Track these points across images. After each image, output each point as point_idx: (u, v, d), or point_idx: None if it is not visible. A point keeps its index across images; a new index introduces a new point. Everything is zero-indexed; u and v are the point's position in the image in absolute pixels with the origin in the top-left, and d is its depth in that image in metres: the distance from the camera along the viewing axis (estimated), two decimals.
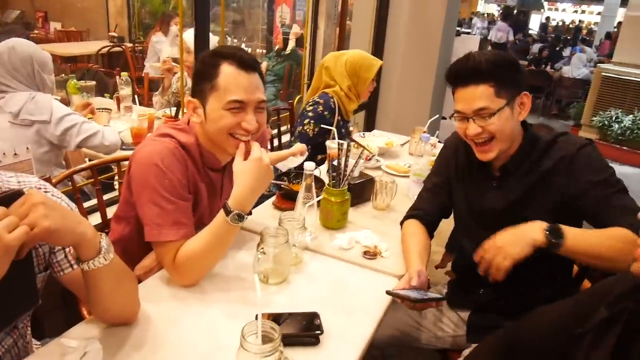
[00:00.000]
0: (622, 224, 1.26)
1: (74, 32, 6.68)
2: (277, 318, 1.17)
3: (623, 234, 1.24)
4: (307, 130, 2.44)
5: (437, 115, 2.72)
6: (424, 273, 1.39)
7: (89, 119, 2.34)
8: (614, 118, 5.84)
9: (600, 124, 5.92)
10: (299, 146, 1.88)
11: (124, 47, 5.46)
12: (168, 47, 4.42)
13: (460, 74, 1.41)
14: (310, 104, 2.50)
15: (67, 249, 1.09)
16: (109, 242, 1.02)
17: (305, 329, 1.16)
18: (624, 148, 5.69)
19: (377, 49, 4.32)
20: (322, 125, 2.36)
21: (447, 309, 1.65)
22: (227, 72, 1.32)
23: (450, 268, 1.80)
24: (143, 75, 4.28)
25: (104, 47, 5.45)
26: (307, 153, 1.89)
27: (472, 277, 1.55)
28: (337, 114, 2.53)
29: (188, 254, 1.29)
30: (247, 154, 1.32)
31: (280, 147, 2.85)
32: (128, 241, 1.48)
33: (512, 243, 1.31)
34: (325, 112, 2.48)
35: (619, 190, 1.34)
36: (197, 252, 1.29)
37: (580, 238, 1.28)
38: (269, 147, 1.70)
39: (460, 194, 1.59)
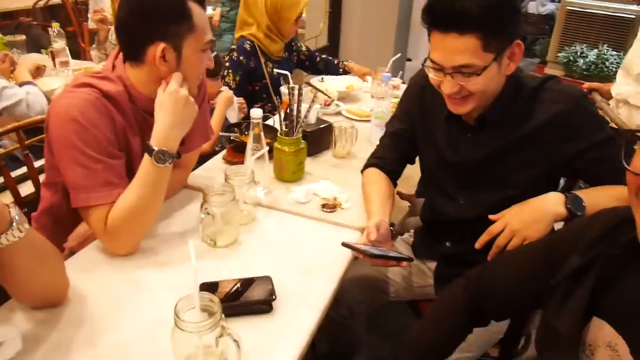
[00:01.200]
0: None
1: None
2: (218, 287, 1.04)
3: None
4: (229, 81, 2.31)
5: (399, 54, 2.56)
6: (384, 225, 1.25)
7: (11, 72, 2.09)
8: (579, 53, 5.75)
9: (566, 60, 5.82)
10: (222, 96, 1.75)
11: None
12: None
13: (441, 16, 1.11)
14: (227, 52, 2.36)
15: None
16: (20, 212, 0.86)
17: (255, 296, 1.03)
18: (586, 84, 5.65)
19: None
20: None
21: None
22: (197, 11, 1.19)
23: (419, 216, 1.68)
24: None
25: (41, 0, 5.01)
26: (233, 103, 1.75)
27: (440, 228, 1.45)
28: (259, 56, 2.39)
29: (119, 215, 1.14)
30: None
31: None
32: (58, 209, 1.32)
33: (530, 222, 1.16)
34: (241, 57, 2.35)
35: (617, 147, 1.21)
36: (129, 209, 1.14)
37: (595, 204, 1.13)
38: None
39: (428, 142, 1.41)
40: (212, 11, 5.51)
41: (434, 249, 1.49)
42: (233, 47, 2.38)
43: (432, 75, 1.20)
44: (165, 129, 1.18)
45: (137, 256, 1.20)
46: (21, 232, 0.85)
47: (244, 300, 1.01)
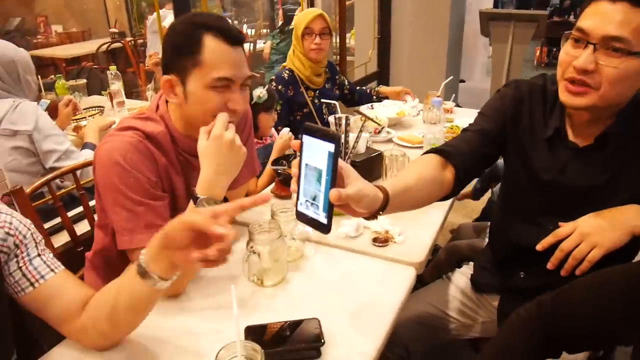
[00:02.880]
0: None
1: (75, 32, 6.57)
2: (264, 330, 0.99)
3: None
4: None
5: (451, 77, 2.48)
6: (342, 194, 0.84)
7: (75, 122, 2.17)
8: None
9: None
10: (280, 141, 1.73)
11: (123, 42, 5.31)
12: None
13: None
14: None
15: (23, 267, 0.94)
16: None
17: (302, 340, 0.97)
18: None
19: (384, 12, 4.06)
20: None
21: (472, 293, 1.44)
22: (212, 45, 1.14)
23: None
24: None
25: (104, 44, 5.31)
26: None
27: (512, 258, 1.32)
28: (299, 84, 2.38)
29: None
30: None
31: None
32: (109, 251, 1.32)
33: (603, 228, 1.05)
34: (280, 86, 2.35)
35: None
36: None
37: None
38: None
39: (518, 158, 1.26)
40: (263, 44, 5.65)
41: (499, 281, 1.37)
42: (272, 77, 2.40)
43: (567, 47, 1.07)
44: (210, 177, 1.14)
45: (181, 299, 1.17)
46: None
47: (290, 346, 0.96)
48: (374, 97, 2.72)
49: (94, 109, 2.64)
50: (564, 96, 1.10)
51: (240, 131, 1.36)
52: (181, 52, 1.15)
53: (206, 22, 1.16)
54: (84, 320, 0.96)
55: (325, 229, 0.86)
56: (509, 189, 1.35)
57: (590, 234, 1.06)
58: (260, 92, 2.12)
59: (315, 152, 0.82)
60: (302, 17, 2.40)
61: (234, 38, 1.16)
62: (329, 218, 0.85)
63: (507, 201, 1.37)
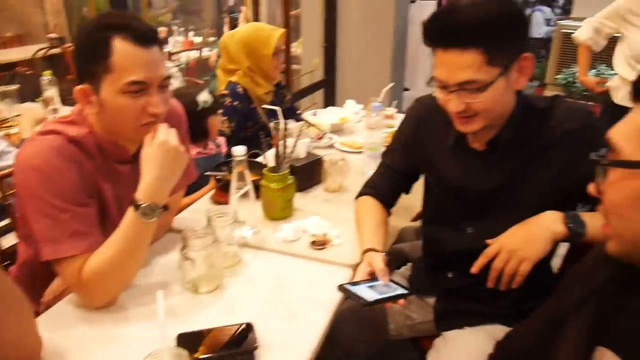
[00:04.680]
0: None
1: (11, 37, 6.26)
2: (197, 337, 0.97)
3: None
4: (225, 129, 2.21)
5: (392, 84, 2.53)
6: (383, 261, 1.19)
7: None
8: (577, 74, 5.74)
9: (564, 82, 5.80)
10: None
11: (62, 47, 5.11)
12: None
13: (440, 33, 1.07)
14: (220, 100, 2.25)
15: None
16: None
17: (235, 345, 0.96)
18: (590, 103, 5.60)
19: (330, 24, 4.11)
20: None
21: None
22: (121, 48, 1.08)
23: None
24: None
25: (41, 50, 5.09)
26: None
27: (442, 260, 1.37)
28: (252, 101, 2.30)
29: (96, 268, 1.08)
30: None
31: None
32: (33, 263, 1.25)
33: (527, 242, 1.11)
34: (235, 102, 2.25)
35: None
36: (107, 263, 1.08)
37: (597, 225, 1.08)
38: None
39: (431, 174, 1.36)
40: (209, 52, 5.59)
41: (434, 283, 1.41)
42: (224, 92, 2.28)
43: (437, 92, 1.15)
44: (153, 183, 1.11)
45: (114, 309, 1.13)
46: None
47: (222, 352, 0.94)
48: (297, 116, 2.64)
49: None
50: (457, 126, 1.17)
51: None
52: (90, 59, 1.09)
53: (112, 22, 1.09)
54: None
55: (405, 295, 1.15)
56: (428, 198, 1.43)
57: (516, 250, 1.12)
58: (205, 98, 2.08)
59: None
60: (269, 35, 2.26)
61: (145, 37, 1.10)
62: (397, 295, 1.14)
63: (428, 209, 1.44)
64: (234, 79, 2.30)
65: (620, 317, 0.73)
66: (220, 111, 2.19)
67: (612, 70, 2.96)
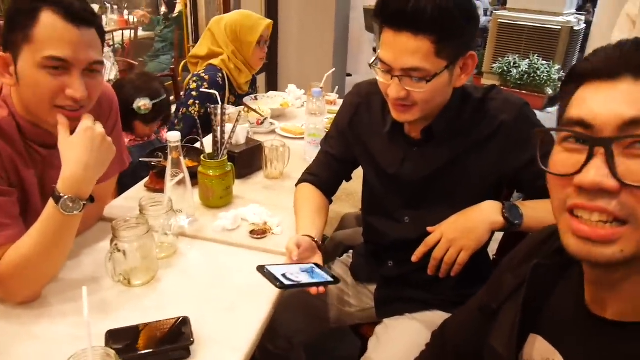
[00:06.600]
0: None
1: None
2: (129, 334, 0.92)
3: None
4: (192, 112, 2.12)
5: (334, 69, 2.51)
6: (305, 241, 1.16)
7: None
8: (512, 64, 5.95)
9: (500, 71, 6.01)
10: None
11: None
12: None
13: (395, 14, 1.04)
14: (195, 79, 2.14)
15: None
16: None
17: (168, 341, 0.92)
18: (524, 92, 5.82)
19: (270, 5, 4.03)
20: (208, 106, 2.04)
21: (351, 281, 1.47)
22: (47, 21, 1.00)
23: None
24: None
25: None
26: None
27: (382, 249, 1.38)
28: (227, 90, 2.21)
29: (14, 262, 1.00)
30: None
31: None
32: None
33: (466, 232, 1.14)
34: (212, 90, 2.17)
35: None
36: (26, 257, 1.00)
37: (533, 215, 1.13)
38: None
39: (367, 163, 1.35)
40: (143, 32, 5.36)
41: (374, 271, 1.42)
42: (204, 76, 2.14)
43: (379, 77, 1.13)
44: (76, 172, 1.02)
45: (37, 304, 1.05)
46: None
47: (155, 348, 0.90)
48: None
49: None
50: (393, 114, 1.16)
51: (105, 119, 1.25)
52: (15, 27, 1.01)
53: None
54: None
55: (327, 283, 1.10)
56: (366, 189, 1.41)
57: (456, 239, 1.14)
58: (142, 104, 1.98)
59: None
60: (255, 24, 2.20)
61: (78, 16, 1.02)
62: (318, 282, 1.09)
63: (366, 200, 1.43)
64: (215, 62, 2.20)
65: (546, 304, 0.75)
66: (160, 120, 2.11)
67: None
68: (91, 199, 1.06)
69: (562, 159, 0.63)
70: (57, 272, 1.11)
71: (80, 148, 1.03)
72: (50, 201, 1.01)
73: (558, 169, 0.62)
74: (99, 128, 1.07)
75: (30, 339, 0.97)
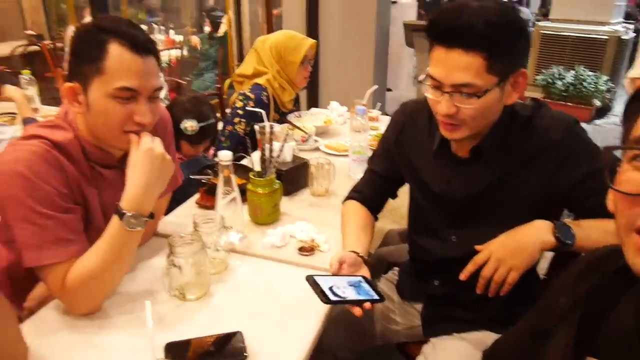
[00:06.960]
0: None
1: None
2: (186, 346, 0.96)
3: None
4: (239, 130, 2.19)
5: (376, 86, 2.53)
6: (350, 257, 1.17)
7: None
8: (556, 75, 5.82)
9: (544, 83, 5.89)
10: None
11: (41, 44, 5.02)
12: None
13: (445, 30, 1.05)
14: (241, 98, 2.21)
15: None
16: None
17: (223, 355, 0.95)
18: (569, 104, 5.69)
19: (311, 24, 4.10)
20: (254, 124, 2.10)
21: (397, 298, 1.47)
22: (116, 53, 1.07)
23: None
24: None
25: (19, 47, 4.99)
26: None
27: (427, 267, 1.37)
28: (272, 109, 2.27)
29: (80, 275, 1.06)
30: None
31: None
32: (16, 269, 1.22)
33: (516, 251, 1.12)
34: (257, 109, 2.21)
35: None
36: (91, 270, 1.07)
37: (586, 235, 1.10)
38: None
39: (413, 181, 1.36)
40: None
41: (420, 289, 1.42)
42: (249, 95, 2.21)
43: (429, 93, 1.14)
44: (139, 191, 1.10)
45: (98, 316, 1.11)
46: None
47: None
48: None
49: (4, 115, 2.46)
50: (442, 131, 1.17)
51: (161, 138, 1.32)
52: (84, 59, 1.09)
53: (112, 27, 1.09)
54: None
55: (373, 301, 1.10)
56: (412, 207, 1.42)
57: (505, 259, 1.13)
58: (189, 125, 2.05)
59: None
60: (299, 44, 2.27)
61: (142, 46, 1.10)
62: (362, 299, 1.09)
63: (412, 218, 1.44)
64: (261, 81, 2.26)
65: (604, 325, 0.74)
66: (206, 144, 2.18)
67: None
68: (151, 216, 1.12)
69: (632, 177, 0.62)
70: (118, 285, 1.17)
71: (143, 168, 1.10)
72: (115, 218, 1.08)
73: (628, 188, 0.61)
74: (158, 147, 1.13)
75: (92, 348, 1.02)
